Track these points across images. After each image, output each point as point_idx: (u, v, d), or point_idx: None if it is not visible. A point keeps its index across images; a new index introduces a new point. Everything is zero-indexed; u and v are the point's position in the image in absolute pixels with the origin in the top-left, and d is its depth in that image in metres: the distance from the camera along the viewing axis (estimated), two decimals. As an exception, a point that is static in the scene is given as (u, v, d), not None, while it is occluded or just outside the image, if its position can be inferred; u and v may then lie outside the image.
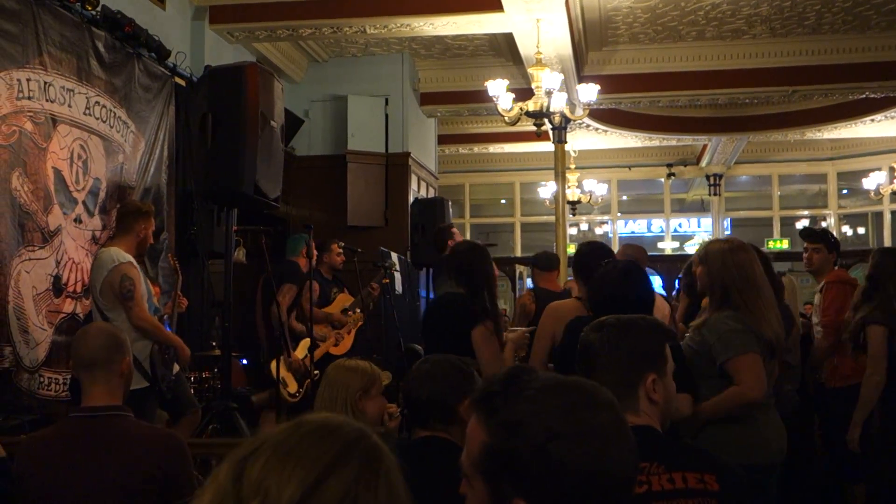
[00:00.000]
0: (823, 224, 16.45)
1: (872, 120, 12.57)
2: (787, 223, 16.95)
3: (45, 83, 5.70)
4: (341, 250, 7.44)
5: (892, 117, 12.45)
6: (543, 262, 6.26)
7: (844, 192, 16.45)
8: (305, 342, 6.70)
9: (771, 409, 3.39)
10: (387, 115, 10.30)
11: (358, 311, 7.23)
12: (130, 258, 4.94)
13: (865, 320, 4.77)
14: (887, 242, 14.88)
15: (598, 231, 17.28)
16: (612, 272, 3.50)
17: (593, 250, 4.31)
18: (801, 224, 17.29)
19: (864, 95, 11.05)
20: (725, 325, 3.29)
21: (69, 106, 5.96)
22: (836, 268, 5.64)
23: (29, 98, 5.53)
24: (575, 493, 1.24)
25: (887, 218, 15.34)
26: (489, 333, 4.11)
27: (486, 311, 4.20)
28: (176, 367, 5.22)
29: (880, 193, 14.58)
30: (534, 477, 1.25)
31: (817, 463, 5.68)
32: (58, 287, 5.78)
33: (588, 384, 1.38)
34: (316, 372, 6.42)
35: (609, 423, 1.29)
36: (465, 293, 4.23)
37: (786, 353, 4.00)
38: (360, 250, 7.26)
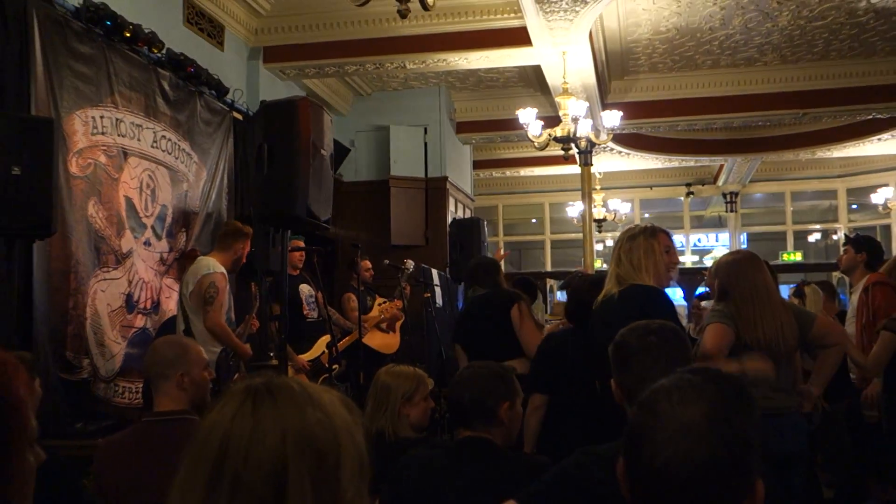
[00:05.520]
0: (834, 237, 16.18)
1: (879, 139, 12.36)
2: (800, 237, 16.72)
3: (117, 119, 5.79)
4: (370, 266, 7.58)
5: (898, 136, 12.25)
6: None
7: (854, 207, 16.16)
8: (323, 339, 6.62)
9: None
10: (426, 143, 10.34)
11: (386, 302, 7.23)
12: (223, 269, 5.01)
13: None
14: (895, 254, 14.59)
15: (623, 247, 17.12)
16: (580, 284, 4.05)
17: None
18: (814, 238, 17.06)
19: (870, 116, 10.88)
20: (713, 310, 3.55)
21: (138, 140, 6.05)
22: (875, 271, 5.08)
23: (102, 133, 5.62)
24: None
25: (895, 231, 15.05)
26: (525, 309, 4.50)
27: (516, 294, 4.62)
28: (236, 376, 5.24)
29: (888, 208, 14.34)
30: None
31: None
32: (130, 304, 5.85)
33: None
34: (335, 367, 6.37)
35: None
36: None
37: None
38: (404, 268, 7.28)
